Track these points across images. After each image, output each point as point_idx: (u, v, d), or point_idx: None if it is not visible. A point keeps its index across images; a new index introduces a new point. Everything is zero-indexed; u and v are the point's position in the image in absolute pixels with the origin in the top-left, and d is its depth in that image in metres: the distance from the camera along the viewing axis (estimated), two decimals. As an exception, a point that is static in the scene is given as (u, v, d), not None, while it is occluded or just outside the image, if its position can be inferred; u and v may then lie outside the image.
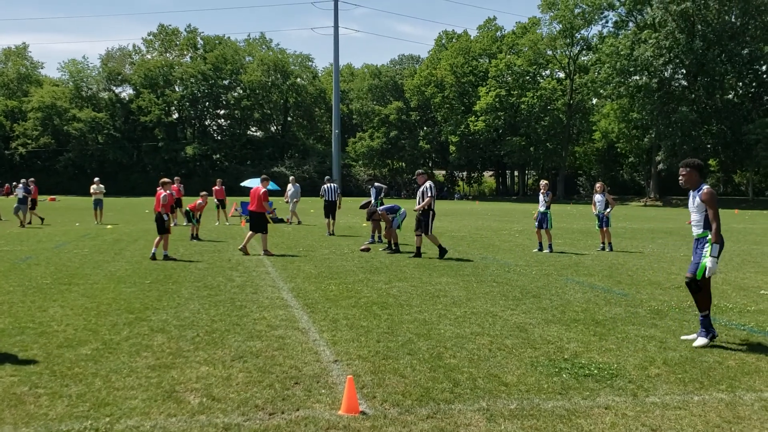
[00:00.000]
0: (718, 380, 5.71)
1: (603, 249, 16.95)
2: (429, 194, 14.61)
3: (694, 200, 7.03)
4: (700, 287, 6.99)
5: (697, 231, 7.08)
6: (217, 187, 26.50)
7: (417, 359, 6.21)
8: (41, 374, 5.61)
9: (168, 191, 14.64)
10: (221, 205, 26.68)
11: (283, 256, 14.75)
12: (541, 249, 16.59)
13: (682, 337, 7.18)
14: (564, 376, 5.76)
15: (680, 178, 7.15)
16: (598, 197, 17.29)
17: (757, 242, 20.23)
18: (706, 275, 6.91)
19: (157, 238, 14.18)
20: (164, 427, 4.50)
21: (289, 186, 26.64)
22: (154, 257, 13.81)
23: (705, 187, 6.97)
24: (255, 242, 15.72)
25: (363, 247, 16.28)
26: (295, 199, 26.37)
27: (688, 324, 7.92)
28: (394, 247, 15.83)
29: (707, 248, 6.86)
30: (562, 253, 16.30)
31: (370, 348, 6.60)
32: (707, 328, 6.93)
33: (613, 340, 7.09)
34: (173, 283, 10.69)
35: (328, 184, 21.73)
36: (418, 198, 14.96)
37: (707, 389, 5.47)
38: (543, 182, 17.09)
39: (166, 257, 13.97)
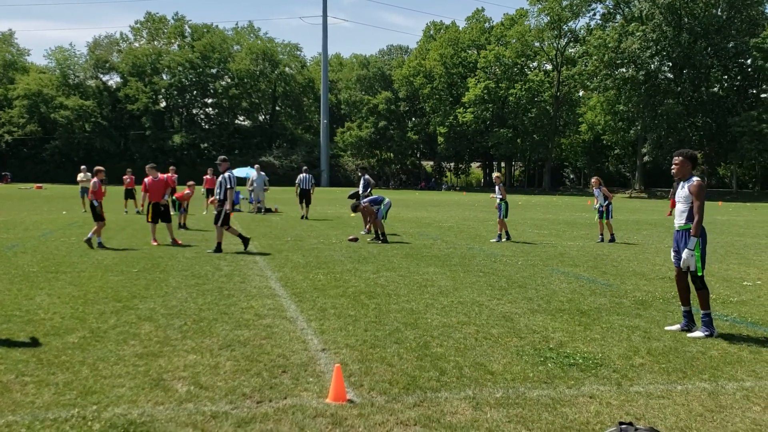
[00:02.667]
0: (701, 370, 5.78)
1: (602, 241, 17.08)
2: (228, 185, 13.81)
3: (683, 190, 7.08)
4: (704, 284, 7.05)
5: (679, 222, 7.13)
6: (208, 177, 26.34)
7: (404, 348, 6.25)
8: (28, 362, 5.60)
9: (99, 179, 14.54)
10: (211, 194, 26.53)
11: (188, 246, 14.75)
12: (499, 239, 16.70)
13: (666, 328, 7.26)
14: (549, 365, 5.82)
15: (673, 167, 7.22)
16: (596, 191, 17.55)
17: (741, 234, 20.42)
18: (681, 267, 7.00)
19: (94, 226, 14.13)
20: (152, 414, 4.51)
21: (254, 174, 26.55)
22: (89, 242, 13.84)
23: (695, 179, 7.02)
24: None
25: (351, 238, 16.31)
26: (264, 188, 26.35)
27: (672, 315, 8.01)
28: (381, 238, 15.87)
29: (691, 240, 6.92)
30: (546, 244, 16.40)
31: (357, 337, 6.63)
32: (708, 324, 6.98)
33: (597, 330, 7.16)
34: (161, 272, 10.67)
35: (304, 175, 23.96)
36: (216, 188, 14.14)
37: (690, 379, 5.55)
38: (495, 175, 17.52)
39: (101, 245, 13.89)
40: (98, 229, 14.09)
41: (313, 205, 26.31)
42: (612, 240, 17.04)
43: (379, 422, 4.45)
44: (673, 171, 7.23)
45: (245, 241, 14.05)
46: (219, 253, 13.31)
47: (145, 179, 15.50)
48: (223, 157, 14.54)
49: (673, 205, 28.67)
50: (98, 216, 14.17)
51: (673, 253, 7.33)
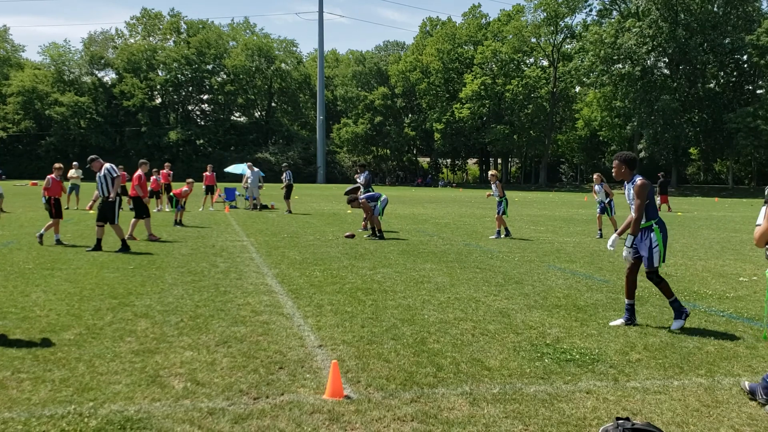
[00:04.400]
0: (698, 365, 5.79)
1: (600, 237, 17.12)
2: (114, 174, 12.99)
3: (629, 192, 7.20)
4: (661, 278, 7.20)
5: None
6: (207, 173, 26.30)
7: (401, 344, 6.25)
8: (24, 359, 5.59)
9: (57, 176, 14.24)
10: (210, 191, 26.49)
11: (167, 242, 14.73)
12: (498, 236, 16.67)
13: (611, 323, 7.24)
14: (546, 360, 5.83)
15: (613, 170, 7.39)
16: (596, 187, 17.66)
17: (736, 230, 20.47)
18: (623, 261, 7.14)
19: (49, 222, 13.92)
20: (148, 411, 4.50)
21: (248, 171, 26.53)
22: (41, 240, 13.58)
23: (638, 179, 7.13)
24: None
25: (347, 234, 16.30)
26: (258, 185, 26.48)
27: (668, 310, 8.00)
28: (378, 234, 15.86)
29: (652, 236, 7.05)
30: (543, 240, 16.41)
31: (354, 333, 6.62)
32: (678, 309, 7.11)
33: (594, 325, 7.17)
34: (157, 269, 10.65)
35: (289, 171, 25.67)
36: (100, 185, 13.06)
37: (687, 374, 5.56)
38: (491, 172, 17.55)
39: (58, 242, 13.72)
40: (54, 226, 13.83)
41: (310, 201, 26.38)
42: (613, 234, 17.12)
43: (376, 418, 4.45)
44: (613, 174, 7.45)
45: (98, 244, 12.97)
46: (127, 252, 12.76)
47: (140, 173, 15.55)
48: (92, 156, 13.44)
49: (663, 201, 28.77)
50: (51, 213, 13.87)
51: (626, 249, 7.40)
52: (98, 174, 13.04)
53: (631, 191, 7.13)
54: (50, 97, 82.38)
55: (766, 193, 5.77)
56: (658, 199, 29.21)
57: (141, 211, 15.27)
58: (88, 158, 13.50)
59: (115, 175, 13.01)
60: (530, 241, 15.94)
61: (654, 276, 7.17)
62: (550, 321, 7.34)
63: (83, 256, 12.06)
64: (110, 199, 12.92)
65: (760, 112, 58.13)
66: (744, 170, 77.06)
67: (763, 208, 4.82)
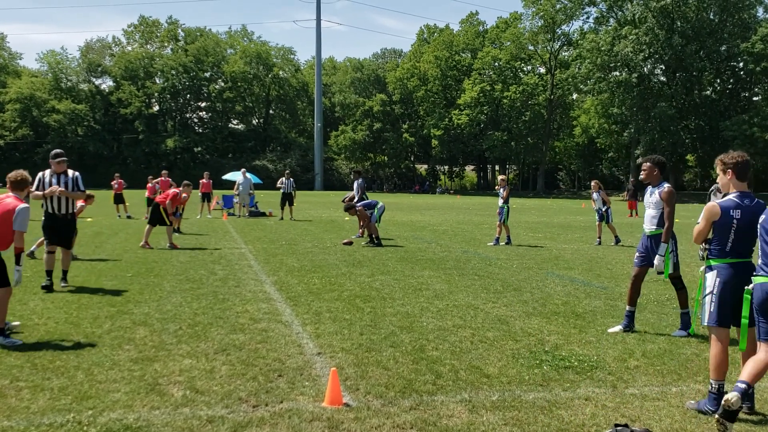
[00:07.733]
0: (696, 372, 5.81)
1: (599, 243, 17.23)
2: (82, 188, 10.20)
3: (652, 196, 7.18)
4: (683, 285, 7.23)
5: (650, 228, 7.25)
6: (204, 181, 26.29)
7: (400, 352, 6.25)
8: (22, 367, 5.58)
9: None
10: (206, 198, 26.47)
11: (193, 249, 14.73)
12: (497, 243, 16.70)
13: (609, 330, 7.25)
14: (545, 367, 5.83)
15: (641, 173, 7.31)
16: (594, 195, 17.80)
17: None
18: (655, 272, 7.11)
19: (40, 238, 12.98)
20: (148, 419, 4.50)
21: (240, 177, 26.48)
22: (32, 254, 12.66)
23: (666, 185, 7.11)
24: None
25: (345, 241, 16.31)
26: (249, 192, 26.49)
27: (666, 317, 8.04)
28: (375, 241, 15.87)
29: (661, 247, 7.02)
30: (541, 247, 16.44)
31: (353, 341, 6.63)
32: (686, 323, 7.13)
33: (592, 332, 7.18)
34: (155, 276, 10.65)
35: (285, 179, 25.21)
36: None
37: (685, 380, 5.57)
38: (500, 177, 17.64)
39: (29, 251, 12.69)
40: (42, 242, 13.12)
41: (308, 208, 26.37)
42: (617, 241, 17.21)
43: (375, 426, 4.45)
44: (641, 177, 7.33)
45: (49, 279, 9.57)
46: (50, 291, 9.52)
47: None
48: (64, 156, 10.42)
49: (631, 207, 29.24)
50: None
51: (637, 254, 7.43)
52: (60, 178, 10.07)
53: (656, 196, 7.11)
54: (47, 105, 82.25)
55: (709, 192, 5.89)
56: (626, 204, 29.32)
57: (158, 219, 15.15)
58: (61, 153, 10.44)
59: (83, 188, 10.25)
60: (528, 248, 15.95)
61: (678, 281, 7.23)
62: (548, 328, 7.34)
63: (80, 264, 12.03)
64: (69, 216, 10.05)
65: (756, 120, 58.29)
66: (741, 177, 77.09)
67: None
